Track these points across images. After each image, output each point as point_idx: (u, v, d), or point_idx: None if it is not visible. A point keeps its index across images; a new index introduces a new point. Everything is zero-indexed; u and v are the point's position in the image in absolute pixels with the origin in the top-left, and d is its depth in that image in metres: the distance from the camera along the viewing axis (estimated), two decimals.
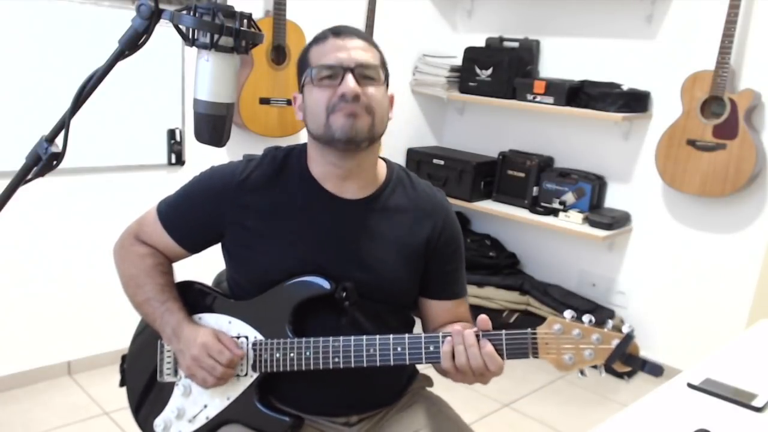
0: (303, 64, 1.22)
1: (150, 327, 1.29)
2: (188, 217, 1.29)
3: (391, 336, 1.14)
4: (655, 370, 1.05)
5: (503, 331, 1.10)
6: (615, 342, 1.05)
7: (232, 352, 1.19)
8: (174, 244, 1.30)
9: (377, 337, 1.14)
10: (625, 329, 1.06)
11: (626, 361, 1.05)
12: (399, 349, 1.13)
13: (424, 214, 1.28)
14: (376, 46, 1.23)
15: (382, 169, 1.29)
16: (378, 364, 1.14)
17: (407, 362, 1.14)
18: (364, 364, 1.15)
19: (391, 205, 1.26)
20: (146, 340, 1.32)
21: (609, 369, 1.07)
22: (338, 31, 1.19)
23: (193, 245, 1.31)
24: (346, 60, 1.15)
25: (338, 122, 1.15)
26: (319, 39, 1.20)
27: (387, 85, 1.23)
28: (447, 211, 1.32)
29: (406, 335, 1.14)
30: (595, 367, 1.08)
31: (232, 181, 1.25)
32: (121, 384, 1.37)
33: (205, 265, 1.50)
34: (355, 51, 1.17)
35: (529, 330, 1.09)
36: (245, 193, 1.24)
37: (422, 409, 1.34)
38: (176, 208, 1.31)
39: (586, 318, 1.07)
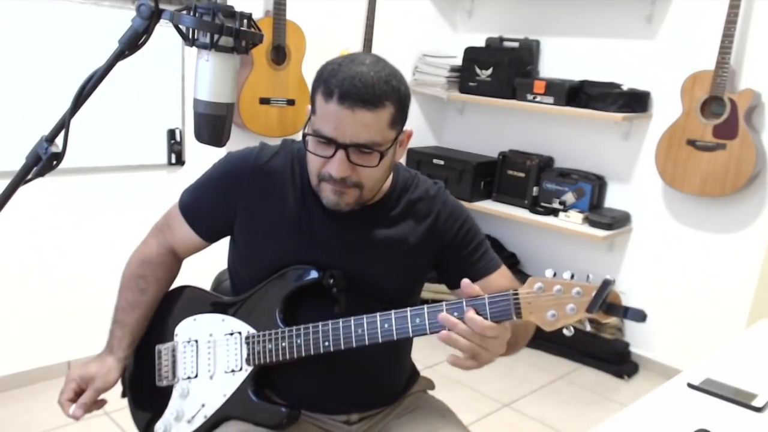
0: (313, 93, 1.14)
1: (144, 336, 1.34)
2: (205, 204, 1.30)
3: (378, 314, 1.14)
4: (637, 316, 1.02)
5: (486, 296, 1.08)
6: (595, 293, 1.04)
7: (63, 402, 1.33)
8: (191, 233, 1.31)
9: (364, 316, 1.14)
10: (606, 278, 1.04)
11: (607, 310, 1.02)
12: (386, 325, 1.13)
13: (419, 215, 1.27)
14: (386, 103, 1.10)
15: (388, 179, 1.27)
16: (366, 342, 1.14)
17: (395, 337, 1.13)
18: (353, 345, 1.14)
19: (395, 212, 1.26)
20: (143, 348, 1.34)
21: (595, 324, 1.04)
22: (344, 96, 1.07)
23: (209, 233, 1.32)
24: (341, 137, 1.09)
25: (326, 194, 1.17)
26: (326, 91, 1.09)
27: (399, 131, 1.16)
28: (442, 201, 1.29)
29: (392, 311, 1.13)
30: (582, 325, 1.06)
31: (246, 165, 1.26)
32: (123, 395, 1.37)
33: (206, 266, 1.51)
34: (355, 127, 1.09)
35: (510, 291, 1.07)
36: (258, 179, 1.25)
37: (424, 414, 1.33)
38: (195, 196, 1.33)
39: (566, 274, 1.06)
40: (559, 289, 1.05)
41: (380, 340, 1.14)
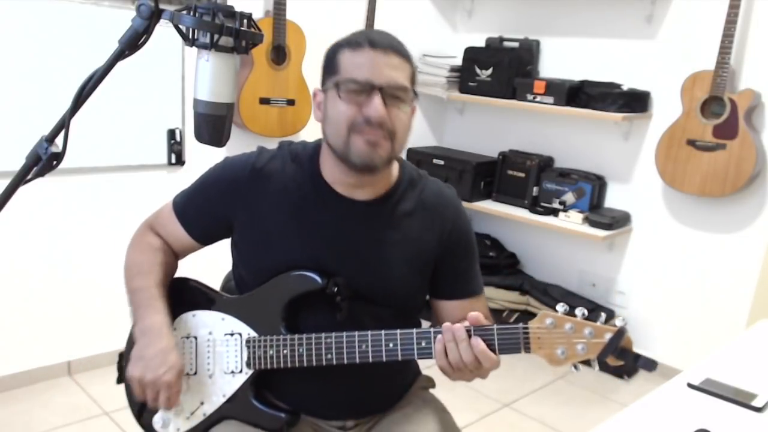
0: (330, 64, 1.16)
1: None
2: (201, 207, 1.29)
3: (383, 332, 1.13)
4: (649, 365, 1.04)
5: (494, 326, 1.09)
6: (608, 336, 1.05)
7: (171, 397, 1.16)
8: (185, 234, 1.30)
9: (369, 333, 1.13)
10: (618, 322, 1.06)
11: (619, 356, 1.04)
12: (391, 345, 1.12)
13: (432, 216, 1.26)
14: (409, 59, 1.16)
15: (394, 170, 1.26)
16: (371, 360, 1.13)
17: (399, 358, 1.13)
18: (357, 361, 1.14)
19: (400, 208, 1.24)
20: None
21: (602, 363, 1.06)
22: (374, 42, 1.11)
23: (203, 236, 1.31)
24: (378, 78, 1.10)
25: (358, 146, 1.12)
26: (353, 44, 1.13)
27: (413, 96, 1.18)
28: (456, 208, 1.29)
29: (398, 331, 1.13)
30: (588, 362, 1.07)
31: (245, 170, 1.24)
32: (119, 381, 1.36)
33: (214, 265, 1.51)
34: (388, 69, 1.11)
35: (521, 325, 1.08)
36: (256, 183, 1.23)
37: (419, 414, 1.32)
38: (190, 199, 1.31)
39: (578, 312, 1.07)
40: (570, 327, 1.06)
41: (384, 359, 1.13)
